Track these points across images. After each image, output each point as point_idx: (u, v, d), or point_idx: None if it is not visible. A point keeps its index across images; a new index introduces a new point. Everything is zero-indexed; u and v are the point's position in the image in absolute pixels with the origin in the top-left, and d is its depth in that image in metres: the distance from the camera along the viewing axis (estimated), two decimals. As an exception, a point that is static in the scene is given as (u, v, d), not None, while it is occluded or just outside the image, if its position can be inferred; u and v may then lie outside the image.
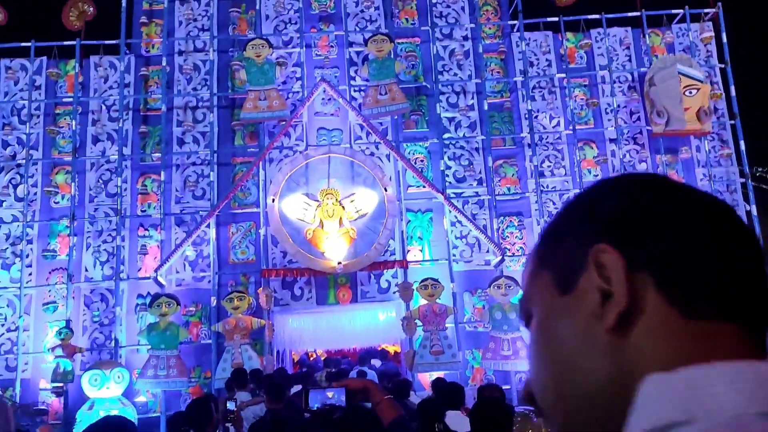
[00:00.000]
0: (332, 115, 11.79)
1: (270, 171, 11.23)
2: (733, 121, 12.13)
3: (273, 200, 10.65)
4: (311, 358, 13.22)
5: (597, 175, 12.06)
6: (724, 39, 12.30)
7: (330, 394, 2.65)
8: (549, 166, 12.03)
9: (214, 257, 10.82)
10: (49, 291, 10.80)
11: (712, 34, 12.45)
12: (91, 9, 11.90)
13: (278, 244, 10.73)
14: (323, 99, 11.69)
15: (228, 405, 5.60)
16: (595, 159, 12.06)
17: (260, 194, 11.11)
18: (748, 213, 11.85)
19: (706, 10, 12.52)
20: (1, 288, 10.70)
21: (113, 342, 10.43)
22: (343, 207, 10.75)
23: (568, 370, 0.58)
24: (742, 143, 11.93)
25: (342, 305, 10.94)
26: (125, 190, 11.17)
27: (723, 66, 12.32)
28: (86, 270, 10.90)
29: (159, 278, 10.29)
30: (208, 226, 10.83)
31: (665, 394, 0.51)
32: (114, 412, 8.88)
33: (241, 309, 9.98)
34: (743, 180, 12.04)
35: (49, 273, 10.93)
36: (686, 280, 0.55)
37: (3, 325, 10.65)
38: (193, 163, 11.42)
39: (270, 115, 11.17)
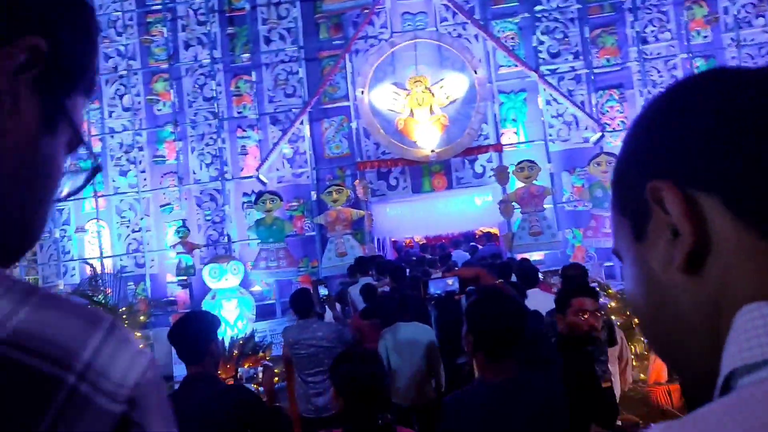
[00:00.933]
0: (415, -2, 11.36)
1: (357, 62, 11.12)
2: None
3: (362, 92, 10.63)
4: (408, 245, 13.63)
5: (707, 37, 11.08)
6: None
7: (449, 282, 3.00)
8: (653, 31, 11.14)
9: (310, 153, 11.10)
10: (164, 194, 11.57)
11: None
12: None
13: (371, 136, 10.82)
14: (406, -19, 11.24)
15: (320, 290, 6.03)
16: (705, 18, 11.00)
17: (349, 87, 11.10)
18: None
19: None
20: (122, 193, 11.57)
21: (226, 238, 11.16)
22: (432, 94, 10.57)
23: (656, 315, 0.57)
24: None
25: (437, 192, 11.04)
26: (220, 93, 11.49)
27: None
28: (194, 173, 11.54)
29: (261, 177, 10.75)
30: (302, 123, 11.04)
31: (764, 324, 0.46)
32: (234, 301, 9.71)
33: (340, 201, 10.31)
34: None
35: (161, 177, 11.67)
36: (758, 195, 0.50)
37: (128, 226, 11.61)
38: (282, 61, 11.49)
39: (352, 3, 10.93)
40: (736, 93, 0.53)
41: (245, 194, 11.33)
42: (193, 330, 2.76)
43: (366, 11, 10.98)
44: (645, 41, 11.00)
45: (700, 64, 10.98)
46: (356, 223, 10.48)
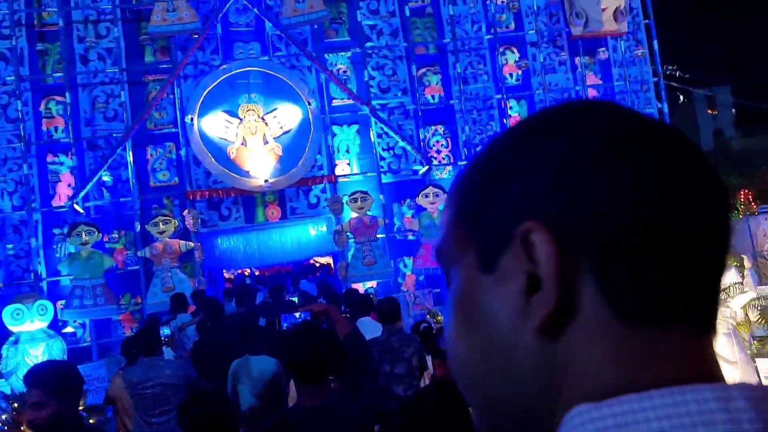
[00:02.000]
0: (248, 26, 11.21)
1: (186, 88, 10.68)
2: (647, 21, 12.35)
3: (191, 119, 10.20)
4: (246, 275, 13.23)
5: (519, 81, 12.15)
6: (640, -63, 12.32)
7: (297, 315, 3.39)
8: (472, 73, 11.99)
9: (133, 181, 10.37)
10: (-44, 225, 10.14)
11: (629, -67, 12.40)
12: None
13: (201, 164, 10.38)
14: (237, 9, 11.06)
15: (162, 330, 5.63)
16: (517, 63, 12.09)
17: (177, 113, 10.60)
18: (660, 110, 12.32)
19: None
20: None
21: (32, 275, 10.00)
22: (266, 123, 10.44)
23: (487, 362, 0.48)
24: (655, 43, 12.21)
25: (271, 222, 10.84)
26: (27, 114, 10.39)
27: (638, -35, 12.40)
28: (-6, 202, 10.26)
29: (76, 206, 9.82)
30: (124, 149, 10.31)
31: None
32: (41, 346, 8.67)
33: (168, 232, 9.73)
34: (656, 79, 12.42)
35: (-47, 207, 10.23)
36: (632, 278, 0.44)
37: None
38: (102, 83, 10.69)
39: (181, 27, 10.48)
40: (624, 143, 0.47)
41: (57, 225, 10.27)
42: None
43: (195, 36, 10.61)
44: (466, 81, 11.80)
45: (513, 105, 11.99)
46: (185, 255, 9.94)
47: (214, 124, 10.27)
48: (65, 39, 10.55)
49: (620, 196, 0.45)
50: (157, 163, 10.74)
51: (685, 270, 0.45)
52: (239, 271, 12.02)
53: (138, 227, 10.15)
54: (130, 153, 10.37)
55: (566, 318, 0.45)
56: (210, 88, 10.36)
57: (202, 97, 10.29)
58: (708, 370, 0.45)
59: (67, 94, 10.37)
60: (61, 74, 10.46)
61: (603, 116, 0.49)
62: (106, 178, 10.38)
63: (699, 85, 26.89)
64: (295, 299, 9.22)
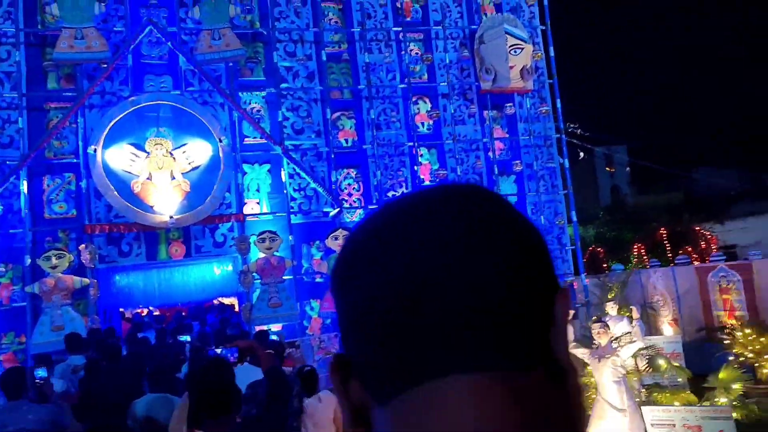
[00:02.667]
0: (160, 59, 11.02)
1: (90, 118, 10.30)
2: (551, 80, 13.10)
3: (95, 150, 9.81)
4: (144, 315, 12.67)
5: (430, 130, 12.50)
6: (546, 2, 13.14)
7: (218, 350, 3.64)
8: (385, 119, 12.25)
9: (26, 212, 9.80)
10: None
11: (536, -4, 13.22)
12: None
13: (102, 197, 9.96)
14: (150, 41, 10.87)
15: (36, 373, 5.28)
16: (429, 113, 12.47)
17: (80, 143, 10.18)
18: (562, 165, 12.99)
19: (531, -27, 13.24)
20: None
21: None
22: (174, 158, 10.19)
23: None
24: (558, 101, 12.95)
25: (175, 260, 10.49)
26: None
27: (544, 28, 13.19)
28: None
29: (-41, 236, 9.16)
30: (18, 177, 9.76)
31: None
32: None
33: (61, 268, 9.21)
34: (558, 135, 13.12)
35: None
36: (374, 373, 0.51)
37: None
38: (-2, 107, 10.14)
39: (89, 56, 10.17)
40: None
41: (-64, 256, 9.52)
42: None
43: (104, 65, 10.31)
44: (379, 127, 12.03)
45: (423, 152, 12.31)
46: (79, 292, 9.42)
47: (118, 157, 9.92)
48: (-40, 59, 9.99)
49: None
50: (54, 193, 10.23)
51: (424, 337, 0.48)
52: (137, 311, 11.50)
53: (28, 261, 9.55)
54: (25, 182, 9.82)
55: (364, 418, 0.53)
56: (117, 119, 10.04)
57: (107, 128, 9.94)
58: (491, 418, 0.47)
59: (-42, 117, 9.77)
60: (-48, 96, 9.86)
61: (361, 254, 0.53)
62: (-5, 208, 9.76)
63: (598, 143, 28.61)
64: (187, 338, 8.89)
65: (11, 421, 4.19)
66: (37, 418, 4.26)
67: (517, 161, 12.74)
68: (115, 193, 9.78)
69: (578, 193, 14.14)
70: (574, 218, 12.87)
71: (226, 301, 12.69)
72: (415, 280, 0.48)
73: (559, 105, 12.91)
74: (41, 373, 5.33)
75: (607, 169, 34.92)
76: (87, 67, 10.41)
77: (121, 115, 10.10)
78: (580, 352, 6.59)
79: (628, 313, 10.26)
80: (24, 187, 9.82)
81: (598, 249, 18.63)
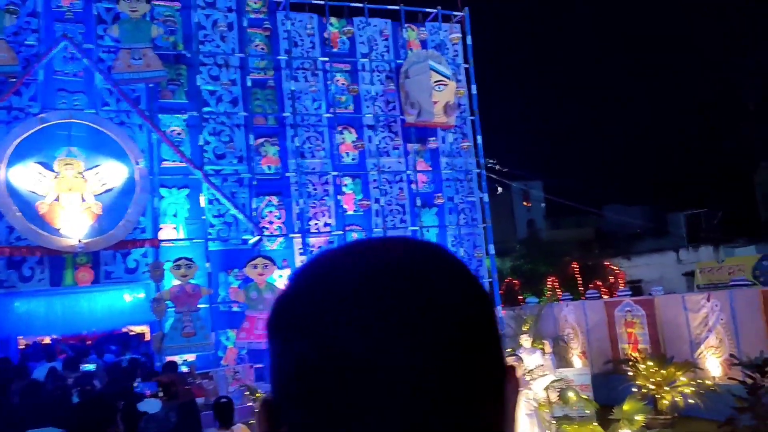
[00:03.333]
0: (75, 75, 10.58)
1: (-5, 133, 9.72)
2: (473, 117, 13.47)
3: (-2, 168, 9.24)
4: (44, 344, 11.89)
5: (355, 159, 12.55)
6: (469, 41, 13.58)
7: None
8: (310, 148, 12.21)
9: None
10: None
11: (460, 35, 13.64)
12: None
13: (2, 217, 9.37)
14: (65, 57, 10.43)
15: None
16: (354, 144, 12.53)
17: (-19, 160, 9.55)
18: (481, 200, 13.32)
19: (455, 13, 13.67)
20: None
21: None
22: (85, 179, 9.74)
23: None
24: (479, 137, 13.32)
25: (81, 287, 9.96)
26: None
27: (467, 66, 13.60)
28: None
29: None
30: None
31: None
32: None
33: (-47, 293, 8.55)
34: (479, 170, 13.47)
35: None
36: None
37: None
38: None
39: (-4, 68, 9.63)
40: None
41: None
42: None
43: (13, 80, 9.79)
44: (303, 155, 11.97)
45: (348, 182, 12.33)
46: (-28, 319, 8.76)
47: (24, 176, 9.39)
48: None
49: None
50: (-51, 212, 9.53)
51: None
52: (37, 339, 10.79)
53: None
54: None
55: None
56: (24, 136, 9.51)
57: (13, 145, 9.40)
58: None
59: None
60: None
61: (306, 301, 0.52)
62: None
63: (516, 179, 29.58)
64: (92, 367, 8.43)
65: None
66: None
67: (439, 194, 12.97)
68: (18, 214, 9.22)
69: (496, 226, 14.52)
70: (492, 251, 13.18)
71: (137, 329, 12.12)
72: (361, 353, 0.47)
73: (480, 141, 13.28)
74: None
75: (523, 203, 36.12)
76: (-7, 80, 9.85)
77: (29, 132, 9.58)
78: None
79: (541, 346, 10.53)
80: None
81: (514, 281, 19.13)
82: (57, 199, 9.48)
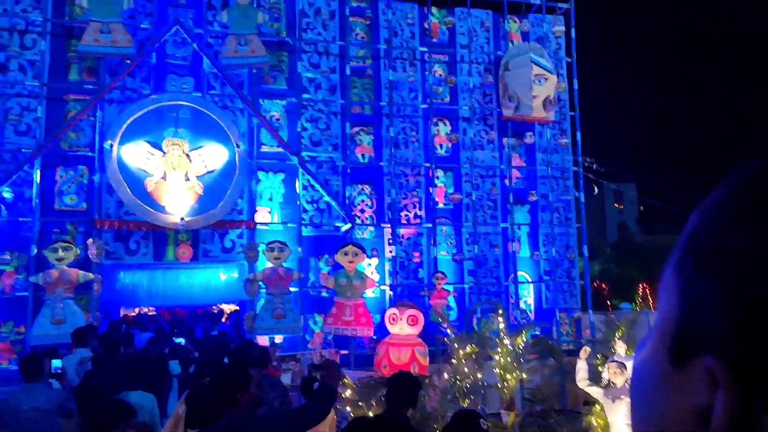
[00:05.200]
0: (184, 59, 10.97)
1: (109, 113, 10.24)
2: (573, 113, 13.02)
3: (111, 145, 9.72)
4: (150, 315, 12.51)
5: (448, 152, 12.42)
6: (573, 35, 13.12)
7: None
8: (404, 138, 12.17)
9: (37, 201, 9.70)
10: None
11: (563, 28, 13.19)
12: None
13: (114, 193, 9.86)
14: (175, 41, 10.83)
15: (53, 363, 5.59)
16: (448, 136, 12.39)
17: (96, 137, 10.10)
18: (577, 199, 12.87)
19: (560, 5, 13.23)
20: None
21: None
22: (190, 160, 10.10)
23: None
24: (578, 134, 12.86)
25: (181, 263, 10.36)
26: (-71, 115, 9.63)
27: (569, 60, 13.14)
28: None
29: (-33, 221, 9.06)
30: (32, 166, 9.68)
31: None
32: None
33: (67, 260, 9.08)
34: (576, 168, 13.02)
35: None
36: None
37: None
38: (18, 94, 10.09)
39: (113, 50, 10.12)
40: None
41: (-58, 239, 9.42)
42: None
43: (128, 61, 10.26)
44: (397, 145, 11.94)
45: (440, 175, 12.22)
46: (82, 286, 9.28)
47: (134, 154, 9.84)
48: (-14, 44, 9.95)
49: None
50: (66, 185, 10.13)
51: None
52: (145, 311, 11.34)
53: (34, 251, 9.44)
54: (38, 172, 9.74)
55: None
56: (136, 116, 9.96)
57: (125, 125, 9.87)
58: None
59: (-22, 101, 9.71)
60: (-26, 79, 9.81)
61: None
62: (6, 194, 9.67)
63: (609, 179, 28.52)
64: (182, 341, 8.77)
65: (25, 400, 4.61)
66: (47, 399, 4.70)
67: (533, 191, 12.63)
68: (128, 189, 9.68)
69: (587, 227, 14.01)
70: (585, 253, 12.72)
71: (228, 308, 12.53)
72: None
73: (579, 138, 12.83)
74: (57, 363, 5.65)
75: (615, 205, 34.79)
76: (110, 61, 10.36)
77: (141, 113, 10.03)
78: (594, 392, 6.42)
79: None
80: (37, 176, 9.73)
81: (603, 285, 18.47)
82: (164, 178, 9.88)
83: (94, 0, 10.03)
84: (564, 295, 12.62)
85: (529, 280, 12.60)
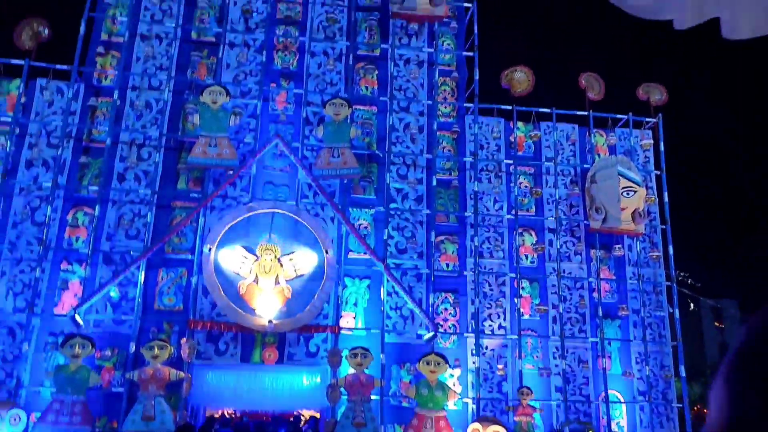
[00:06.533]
0: (281, 170, 11.71)
1: (210, 219, 10.95)
2: (664, 226, 12.72)
3: (210, 249, 10.34)
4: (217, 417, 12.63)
5: (533, 263, 12.32)
6: (662, 148, 13.06)
7: None
8: (488, 248, 12.22)
9: (139, 301, 10.32)
10: (-49, 318, 10.00)
11: (651, 141, 13.19)
12: (46, 31, 11.59)
13: (209, 294, 10.36)
14: (274, 153, 11.62)
15: None
16: (533, 246, 12.34)
17: (197, 241, 10.78)
18: (671, 315, 12.29)
19: (647, 119, 13.30)
20: None
21: (15, 380, 9.66)
22: (281, 264, 10.54)
23: None
24: (670, 248, 12.48)
25: (267, 365, 10.55)
26: (54, 220, 10.63)
27: (658, 173, 13.02)
28: (-3, 300, 10.18)
29: (77, 317, 9.70)
30: (138, 267, 10.37)
31: None
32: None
33: (161, 358, 9.48)
34: (668, 283, 12.53)
35: (-45, 298, 10.15)
36: None
37: None
38: (131, 201, 11.02)
39: (218, 162, 10.98)
40: None
41: (53, 334, 10.09)
42: None
43: (230, 172, 11.07)
44: (481, 255, 11.99)
45: (525, 285, 12.07)
46: (172, 385, 9.59)
47: (230, 258, 10.39)
48: (108, 157, 11.05)
49: None
50: (166, 286, 10.74)
51: None
52: (229, 412, 11.50)
53: (132, 348, 9.93)
54: (143, 273, 10.42)
55: None
56: (233, 222, 10.61)
57: (224, 230, 10.50)
58: None
59: (97, 207, 10.68)
60: (96, 188, 10.83)
61: None
62: (113, 294, 10.35)
63: (707, 295, 27.08)
64: None
65: None
66: None
67: (624, 305, 12.21)
68: (222, 292, 10.15)
69: (683, 345, 13.24)
70: (683, 373, 11.97)
71: (308, 413, 12.48)
72: None
73: (671, 251, 12.44)
74: None
75: (715, 323, 32.73)
76: (215, 171, 11.21)
77: (238, 219, 10.68)
78: None
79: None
80: (141, 277, 10.40)
81: (705, 410, 17.09)
82: (255, 281, 10.31)
83: (205, 117, 11.04)
84: (660, 417, 11.81)
85: (622, 400, 11.91)
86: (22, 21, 11.51)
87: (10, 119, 11.05)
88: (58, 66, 11.51)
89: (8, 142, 10.86)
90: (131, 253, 10.54)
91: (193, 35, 12.18)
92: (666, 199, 12.74)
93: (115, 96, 11.38)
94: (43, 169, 10.98)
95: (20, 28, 11.39)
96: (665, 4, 2.43)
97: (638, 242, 12.52)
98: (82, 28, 11.58)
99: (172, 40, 12.02)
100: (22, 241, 10.53)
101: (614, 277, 12.50)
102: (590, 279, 12.24)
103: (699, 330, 31.92)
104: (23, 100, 11.20)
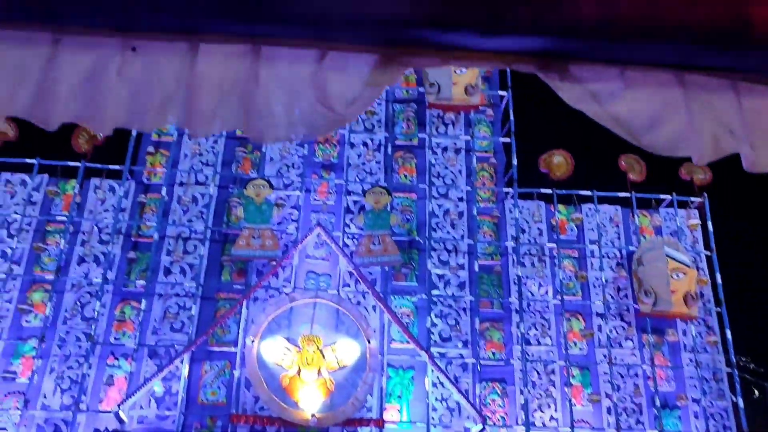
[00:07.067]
0: (323, 259, 11.79)
1: (253, 310, 11.00)
2: (719, 309, 12.20)
3: (252, 341, 10.33)
4: None
5: (582, 349, 11.90)
6: (710, 227, 12.72)
7: None
8: (535, 334, 11.89)
9: (182, 395, 10.27)
10: (0, 415, 10.09)
11: (698, 221, 12.88)
12: (101, 134, 12.22)
13: (252, 388, 10.26)
14: (316, 243, 11.75)
15: None
16: (582, 332, 11.95)
17: (240, 333, 10.80)
18: (735, 404, 11.58)
19: (692, 199, 13.05)
20: (-51, 406, 10.01)
21: (58, 480, 9.59)
22: (323, 355, 10.42)
23: None
24: (728, 331, 11.91)
25: (309, 461, 10.26)
26: (102, 315, 10.84)
27: (708, 253, 12.63)
28: (44, 396, 10.27)
29: (120, 413, 9.69)
30: (182, 361, 10.39)
31: None
32: None
33: (203, 456, 9.32)
34: (729, 369, 11.87)
35: (5, 396, 10.28)
36: None
37: (-57, 448, 9.84)
38: (177, 294, 11.20)
39: (261, 253, 11.16)
40: None
41: (97, 431, 10.06)
42: None
43: (273, 263, 11.20)
44: (528, 342, 11.65)
45: (576, 373, 11.61)
46: (213, 484, 9.38)
47: (272, 350, 10.34)
48: (155, 251, 11.35)
49: None
50: (210, 379, 10.70)
51: None
52: None
53: (175, 444, 9.80)
54: (186, 366, 10.42)
55: None
56: (276, 313, 10.63)
57: (267, 321, 10.52)
58: None
59: (143, 301, 10.87)
60: (143, 282, 11.07)
61: None
62: (157, 389, 10.34)
63: (773, 378, 25.48)
64: None
65: None
66: None
67: (682, 394, 11.58)
68: (264, 385, 10.04)
69: (753, 435, 12.37)
70: (753, 467, 11.14)
71: None
72: None
73: (729, 335, 11.87)
74: None
75: (785, 408, 30.65)
76: (258, 262, 11.37)
77: (281, 310, 10.70)
78: None
79: None
80: (185, 371, 10.40)
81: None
82: (298, 373, 10.19)
83: (250, 210, 11.32)
84: None
85: (688, 497, 11.09)
86: (78, 125, 12.18)
87: (65, 218, 11.52)
88: (111, 166, 12.07)
89: (62, 240, 11.28)
90: (175, 346, 10.60)
91: (238, 132, 12.67)
92: (719, 279, 12.28)
93: (163, 192, 11.81)
94: (93, 265, 11.31)
95: (77, 132, 12.05)
96: (681, 143, 2.45)
97: (693, 326, 12.00)
98: (134, 131, 12.18)
99: (217, 137, 12.54)
100: (71, 337, 10.73)
101: (669, 364, 11.93)
102: (644, 366, 11.71)
103: (766, 419, 29.90)
104: (78, 199, 11.70)
